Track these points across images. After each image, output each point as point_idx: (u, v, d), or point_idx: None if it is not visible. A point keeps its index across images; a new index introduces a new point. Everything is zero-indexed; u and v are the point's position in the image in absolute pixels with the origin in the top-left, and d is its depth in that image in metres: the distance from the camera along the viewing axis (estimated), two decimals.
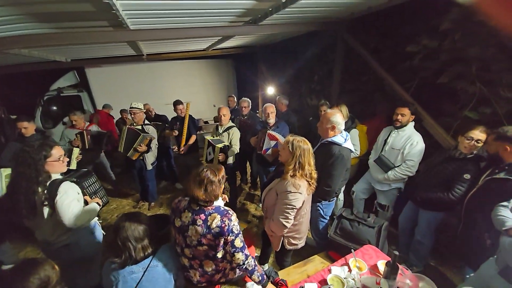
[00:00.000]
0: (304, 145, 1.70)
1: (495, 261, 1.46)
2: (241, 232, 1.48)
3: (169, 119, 4.22)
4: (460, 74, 2.44)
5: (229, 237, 1.39)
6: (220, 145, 3.04)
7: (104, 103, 5.51)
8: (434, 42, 2.66)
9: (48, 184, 1.61)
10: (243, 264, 1.45)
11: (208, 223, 1.39)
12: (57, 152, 1.66)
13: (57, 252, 1.66)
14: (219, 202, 1.63)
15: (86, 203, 1.87)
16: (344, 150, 1.97)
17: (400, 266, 1.52)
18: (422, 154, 2.37)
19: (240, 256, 1.43)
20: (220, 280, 1.57)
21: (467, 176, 1.91)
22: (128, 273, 1.39)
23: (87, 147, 3.43)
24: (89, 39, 2.34)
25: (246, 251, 1.47)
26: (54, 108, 6.03)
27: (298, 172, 1.68)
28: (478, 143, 1.92)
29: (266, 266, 2.42)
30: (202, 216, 1.40)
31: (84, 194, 1.87)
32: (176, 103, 3.77)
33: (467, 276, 1.95)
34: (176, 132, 3.71)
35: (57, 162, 1.66)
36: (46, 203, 1.59)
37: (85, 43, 2.87)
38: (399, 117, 2.41)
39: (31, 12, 1.95)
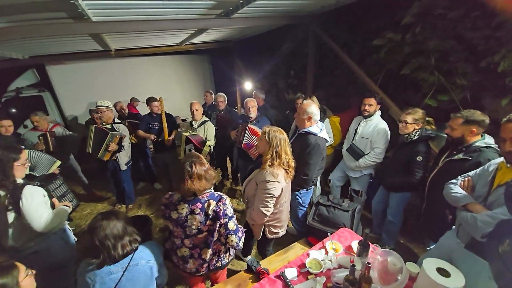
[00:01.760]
0: (280, 134, 1.76)
1: (456, 235, 1.58)
2: (235, 215, 1.57)
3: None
4: (421, 65, 2.64)
5: (223, 220, 1.49)
6: (207, 149, 3.05)
7: (131, 97, 5.13)
8: (397, 35, 2.84)
9: (11, 188, 1.52)
10: (237, 245, 1.54)
11: (206, 210, 1.48)
12: (24, 156, 1.63)
13: (26, 259, 1.54)
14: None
15: (53, 207, 1.77)
16: (320, 140, 2.06)
17: (371, 245, 1.65)
18: (387, 142, 2.55)
19: (234, 238, 1.51)
20: (216, 264, 1.63)
21: (419, 158, 2.11)
22: (106, 273, 1.35)
23: (51, 150, 3.21)
24: (45, 32, 2.17)
25: (240, 234, 1.56)
26: (13, 110, 5.53)
27: (276, 161, 1.73)
28: (405, 124, 2.18)
29: (248, 258, 2.47)
30: (199, 204, 1.47)
31: (51, 197, 1.78)
32: (150, 100, 3.66)
33: (428, 248, 2.14)
34: (154, 137, 3.63)
35: (21, 167, 1.61)
36: (11, 207, 1.51)
37: (42, 37, 2.64)
38: (367, 107, 2.57)
39: None
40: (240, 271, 1.92)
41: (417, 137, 2.15)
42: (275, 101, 5.69)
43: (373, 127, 2.56)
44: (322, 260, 1.64)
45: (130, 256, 1.41)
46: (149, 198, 4.03)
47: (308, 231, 2.36)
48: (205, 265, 1.59)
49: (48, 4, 1.93)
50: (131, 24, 2.57)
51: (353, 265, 1.27)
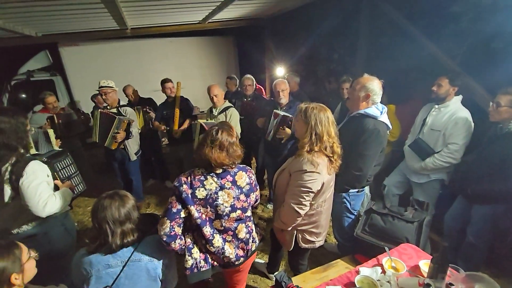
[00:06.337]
0: (321, 112, 1.66)
1: None
2: None
3: (157, 104, 4.21)
4: None
5: (258, 191, 1.64)
6: None
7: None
8: None
9: (13, 161, 1.59)
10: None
11: (238, 183, 1.52)
12: (27, 120, 1.70)
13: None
14: None
15: (57, 188, 1.84)
16: (380, 125, 1.91)
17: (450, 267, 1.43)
18: (469, 136, 2.29)
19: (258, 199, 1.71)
20: (252, 248, 1.69)
21: None
22: (103, 266, 1.35)
23: (58, 134, 3.42)
24: None
25: None
26: (23, 95, 6.08)
27: (316, 146, 1.63)
28: (496, 107, 1.93)
29: (275, 273, 2.35)
30: (229, 177, 1.50)
31: (54, 178, 1.85)
32: (165, 81, 3.75)
33: None
34: (163, 128, 3.70)
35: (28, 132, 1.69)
36: (8, 183, 1.57)
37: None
38: (435, 87, 2.38)
39: None
40: None
41: None
42: (313, 92, 5.53)
43: (448, 116, 2.32)
44: (378, 280, 1.47)
45: (132, 249, 1.39)
46: (159, 197, 4.12)
47: (354, 247, 2.18)
48: (242, 245, 1.61)
49: None
50: None
51: (428, 285, 1.09)
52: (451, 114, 2.32)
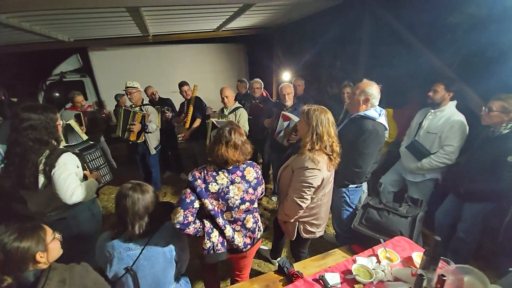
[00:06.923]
0: (322, 114, 1.65)
1: None
2: None
3: (174, 104, 4.25)
4: None
5: (264, 184, 1.65)
6: None
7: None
8: (482, 10, 2.49)
9: (47, 154, 1.62)
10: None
11: (246, 178, 1.53)
12: (58, 115, 1.73)
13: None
14: None
15: (86, 178, 1.87)
16: (378, 126, 1.89)
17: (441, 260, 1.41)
18: (464, 138, 2.23)
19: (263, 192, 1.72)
20: (258, 236, 1.70)
21: (511, 158, 1.79)
22: (124, 249, 1.37)
23: (84, 130, 3.48)
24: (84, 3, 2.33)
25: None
26: (57, 94, 6.24)
27: (317, 145, 1.62)
28: (488, 111, 1.88)
29: (278, 259, 2.36)
30: (239, 172, 1.52)
31: (84, 169, 1.88)
32: (181, 84, 3.78)
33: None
34: (185, 120, 3.71)
35: (59, 126, 1.72)
36: (42, 172, 1.61)
37: (80, 8, 2.85)
38: (431, 93, 2.33)
39: None
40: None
41: (508, 130, 1.84)
42: (316, 96, 5.49)
43: (444, 120, 2.27)
44: (373, 269, 1.45)
45: (150, 234, 1.41)
46: (174, 187, 4.16)
47: (351, 238, 2.16)
48: (249, 234, 1.62)
49: None
50: None
51: (421, 275, 1.08)
52: (447, 118, 2.27)
